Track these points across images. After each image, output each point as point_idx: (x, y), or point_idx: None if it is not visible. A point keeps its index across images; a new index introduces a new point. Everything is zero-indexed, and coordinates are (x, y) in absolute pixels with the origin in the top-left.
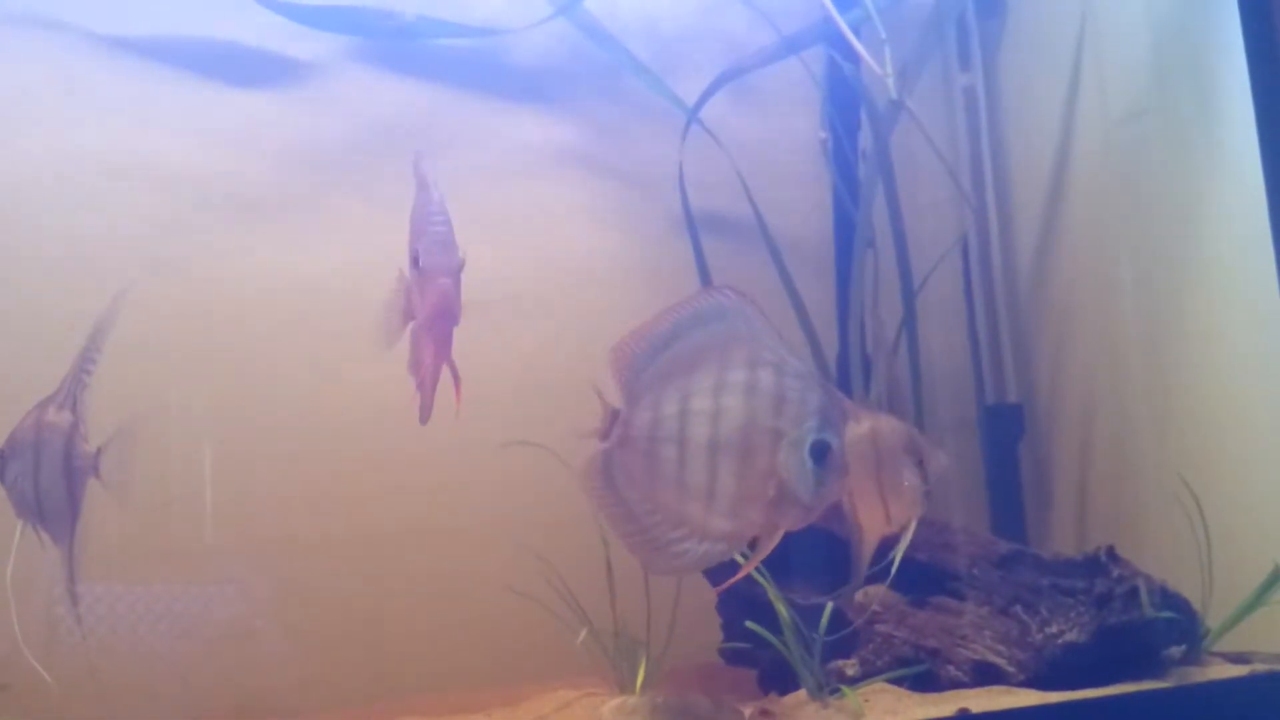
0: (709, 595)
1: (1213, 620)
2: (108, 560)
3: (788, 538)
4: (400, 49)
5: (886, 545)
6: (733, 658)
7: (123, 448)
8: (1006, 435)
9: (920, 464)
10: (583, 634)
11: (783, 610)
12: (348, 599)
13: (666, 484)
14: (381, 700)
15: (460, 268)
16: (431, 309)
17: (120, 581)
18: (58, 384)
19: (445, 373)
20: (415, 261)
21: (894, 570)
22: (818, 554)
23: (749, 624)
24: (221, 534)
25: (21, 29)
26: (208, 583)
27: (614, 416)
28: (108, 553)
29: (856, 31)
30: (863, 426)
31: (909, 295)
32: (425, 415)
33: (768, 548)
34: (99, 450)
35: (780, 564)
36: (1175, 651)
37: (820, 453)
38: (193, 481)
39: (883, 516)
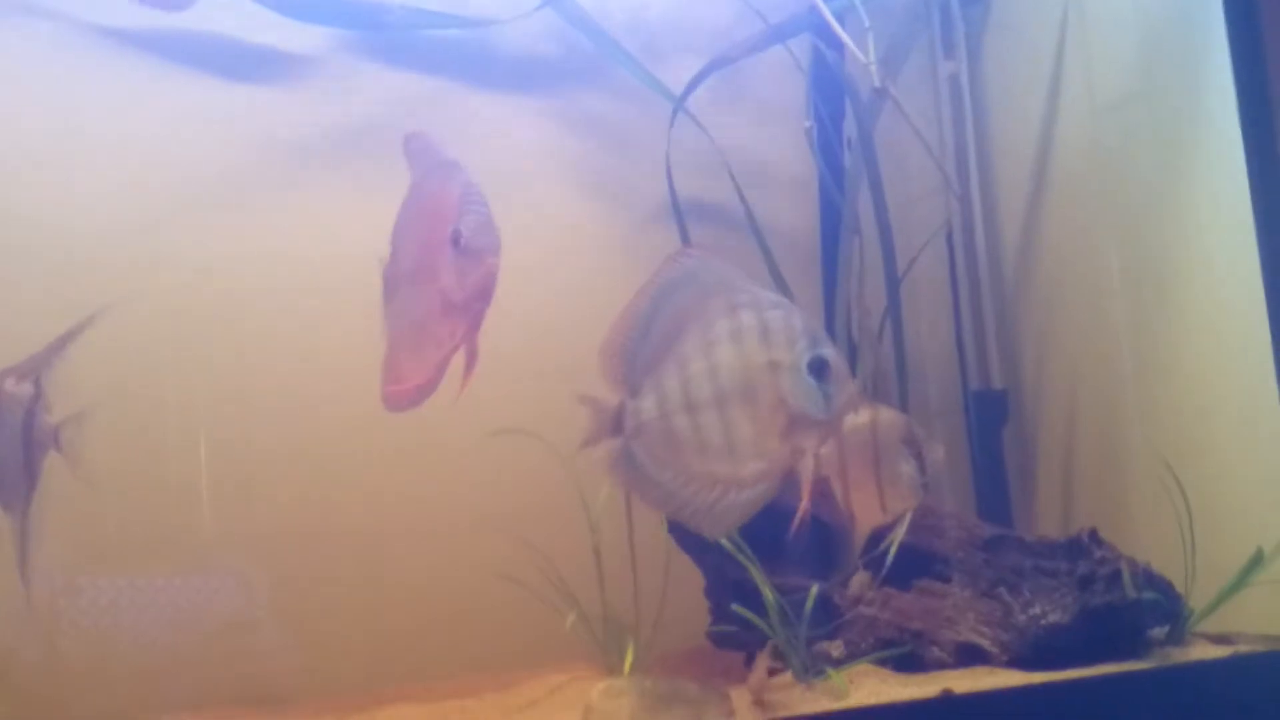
0: (695, 580)
1: (1196, 602)
2: (107, 550)
3: (776, 524)
4: (388, 40)
5: (878, 534)
6: (720, 641)
7: (89, 424)
8: (991, 421)
9: (918, 455)
10: (571, 618)
11: (769, 594)
12: (339, 586)
13: (690, 451)
14: (373, 686)
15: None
16: (474, 289)
17: (119, 572)
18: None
19: None
20: (455, 241)
21: (889, 559)
22: (806, 539)
23: (735, 608)
24: (215, 525)
25: (10, 17)
26: (203, 573)
27: (620, 409)
28: (107, 543)
29: (841, 20)
30: (862, 416)
31: (893, 282)
32: (425, 395)
33: (808, 474)
34: (60, 424)
35: (768, 549)
36: (1158, 632)
37: (819, 368)
38: (185, 473)
39: (877, 506)
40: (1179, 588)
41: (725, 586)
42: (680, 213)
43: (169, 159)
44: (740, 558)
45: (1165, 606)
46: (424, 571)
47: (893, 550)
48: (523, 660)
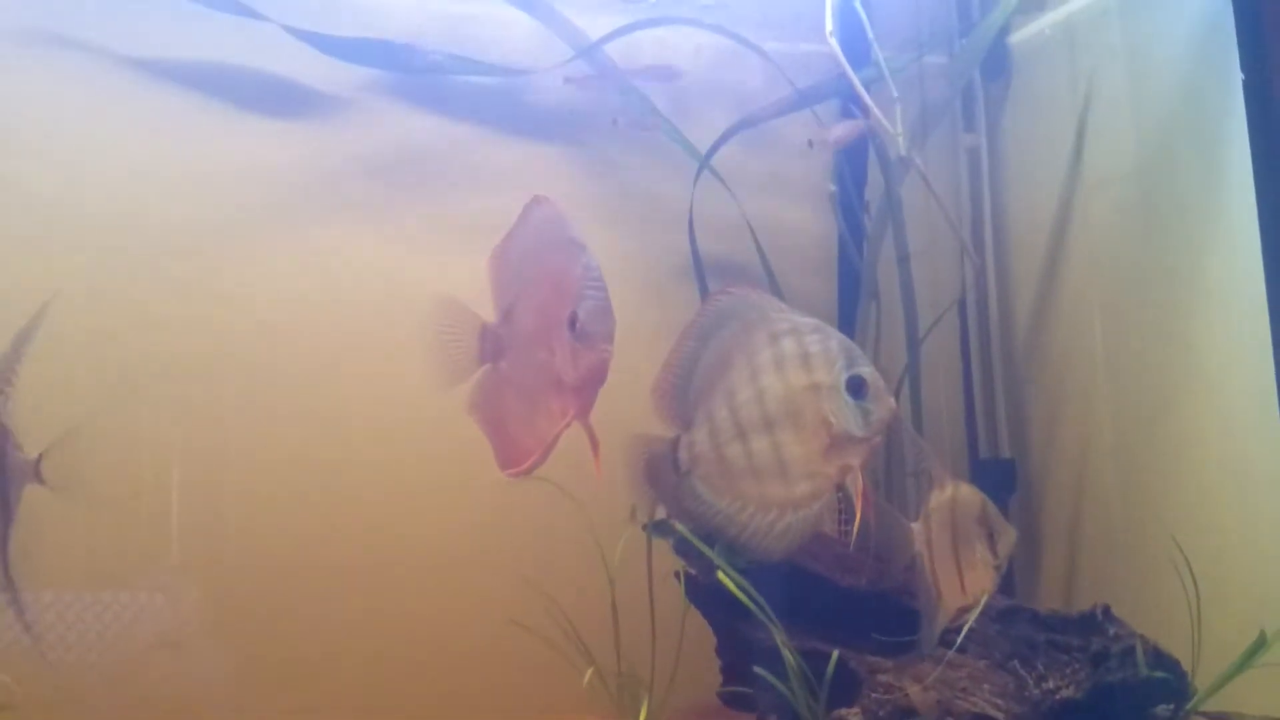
0: (705, 635)
1: (1199, 679)
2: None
3: (793, 586)
4: (422, 84)
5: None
6: (731, 701)
7: (71, 451)
8: (998, 491)
9: (989, 537)
10: (589, 674)
11: (790, 657)
12: (347, 629)
13: (744, 477)
14: None
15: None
16: (586, 374)
17: (120, 603)
18: None
19: None
20: (572, 324)
21: (961, 636)
22: (825, 604)
23: (758, 670)
24: (218, 560)
25: (49, 49)
26: (205, 608)
27: (675, 444)
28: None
29: (868, 88)
30: (946, 492)
31: (914, 345)
32: (532, 468)
33: (858, 489)
34: (40, 456)
35: (790, 613)
36: (1162, 710)
37: (856, 387)
38: (190, 506)
39: (959, 585)
40: (1184, 665)
41: (738, 646)
42: (701, 268)
43: (194, 191)
44: (768, 621)
45: (1172, 685)
46: (434, 617)
47: (965, 630)
48: (532, 711)
